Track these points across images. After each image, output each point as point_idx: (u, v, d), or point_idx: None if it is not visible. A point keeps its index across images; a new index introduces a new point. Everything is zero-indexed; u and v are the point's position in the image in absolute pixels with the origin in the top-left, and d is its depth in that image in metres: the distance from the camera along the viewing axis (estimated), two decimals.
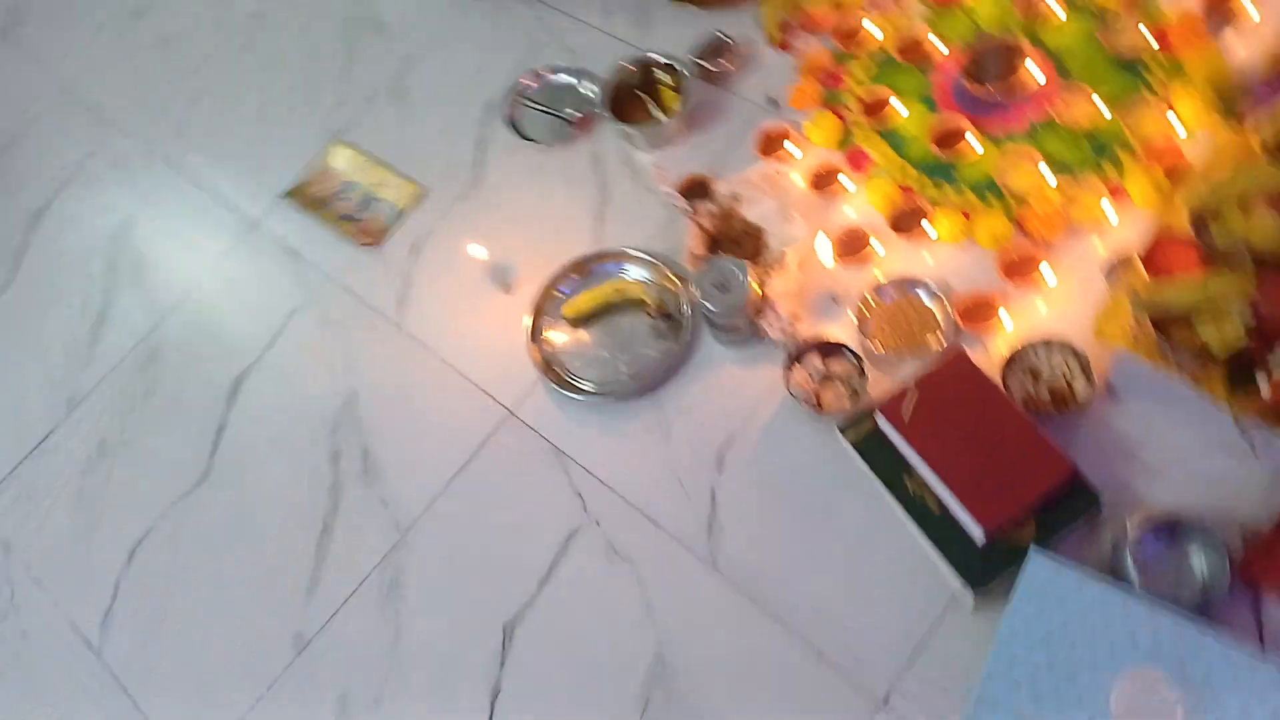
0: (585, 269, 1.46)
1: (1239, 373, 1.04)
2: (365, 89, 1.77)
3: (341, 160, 1.70)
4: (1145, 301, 1.08)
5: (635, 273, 1.44)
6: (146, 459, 1.51)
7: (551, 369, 1.40)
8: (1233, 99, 1.28)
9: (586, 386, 1.38)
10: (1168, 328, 1.08)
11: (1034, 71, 1.41)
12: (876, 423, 1.17)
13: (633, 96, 1.57)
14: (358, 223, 1.62)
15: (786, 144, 1.46)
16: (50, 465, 1.54)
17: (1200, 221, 1.14)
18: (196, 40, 1.96)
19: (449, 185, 1.62)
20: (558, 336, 1.43)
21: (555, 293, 1.45)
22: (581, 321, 1.44)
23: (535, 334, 1.43)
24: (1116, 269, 1.20)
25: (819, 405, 1.25)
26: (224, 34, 1.95)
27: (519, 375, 1.42)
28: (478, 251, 1.51)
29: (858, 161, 1.43)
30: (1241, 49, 1.36)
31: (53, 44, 2.06)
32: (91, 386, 1.59)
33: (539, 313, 1.44)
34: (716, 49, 1.56)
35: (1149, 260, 1.13)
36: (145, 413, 1.55)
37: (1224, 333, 1.04)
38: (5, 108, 1.98)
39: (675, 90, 1.55)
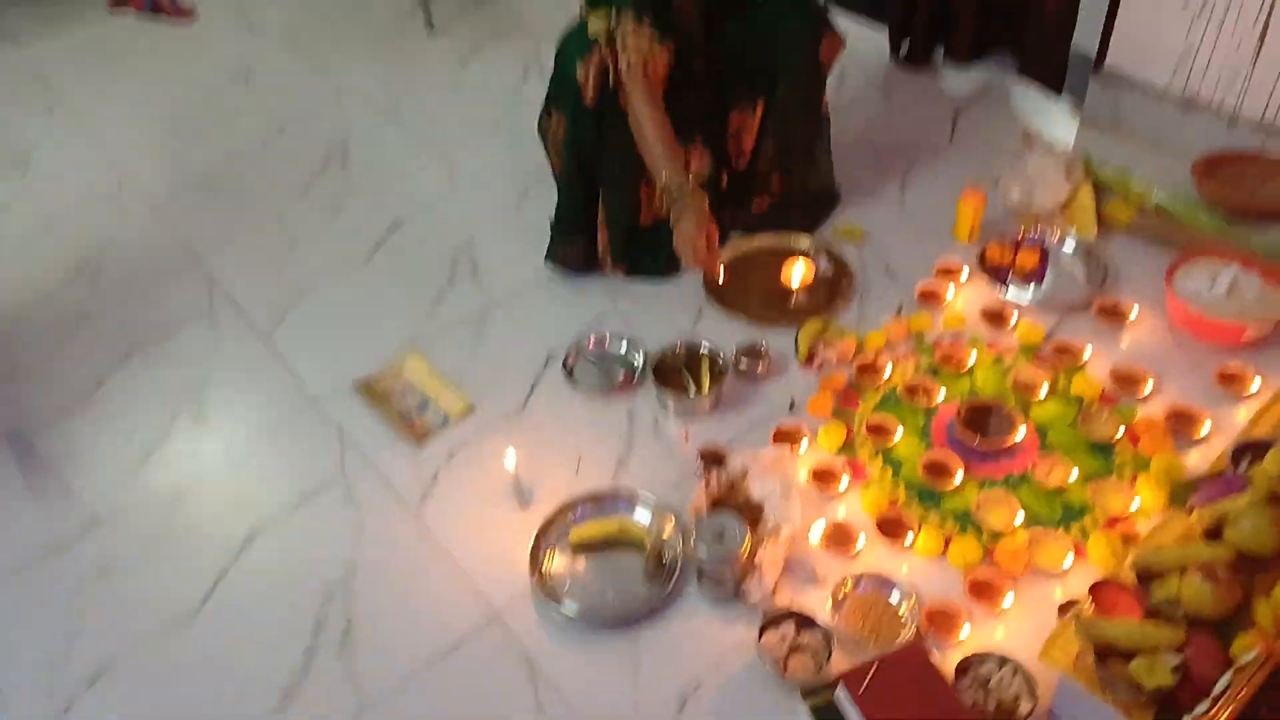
0: (598, 502, 1.61)
1: (1166, 713, 1.13)
2: (453, 315, 2.03)
3: (412, 366, 1.92)
4: (1090, 632, 1.20)
5: (642, 515, 1.58)
6: (143, 587, 1.57)
7: (545, 584, 1.50)
8: (1182, 492, 1.48)
9: (572, 609, 1.47)
10: (1107, 660, 1.19)
11: (1019, 435, 1.63)
12: (836, 694, 1.25)
13: (675, 372, 1.81)
14: (409, 421, 1.81)
15: (800, 442, 1.67)
16: (55, 568, 1.61)
17: (1144, 579, 1.29)
18: (322, 239, 2.27)
19: (498, 408, 1.82)
20: (558, 558, 1.55)
21: (567, 517, 1.59)
22: (584, 549, 1.56)
23: (538, 549, 1.55)
24: (1068, 606, 1.32)
25: (785, 669, 1.33)
26: (355, 240, 2.27)
27: (514, 583, 1.52)
28: (505, 466, 1.67)
29: (857, 470, 1.63)
30: (1194, 455, 1.58)
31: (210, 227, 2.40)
32: (111, 513, 1.70)
33: (546, 531, 1.57)
34: (755, 352, 1.82)
35: (1097, 599, 1.27)
36: (158, 544, 1.65)
37: (1156, 674, 1.15)
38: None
39: (712, 375, 1.79)
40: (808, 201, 2.13)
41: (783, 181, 2.07)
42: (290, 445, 1.80)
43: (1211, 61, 2.07)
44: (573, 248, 2.04)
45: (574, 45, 1.83)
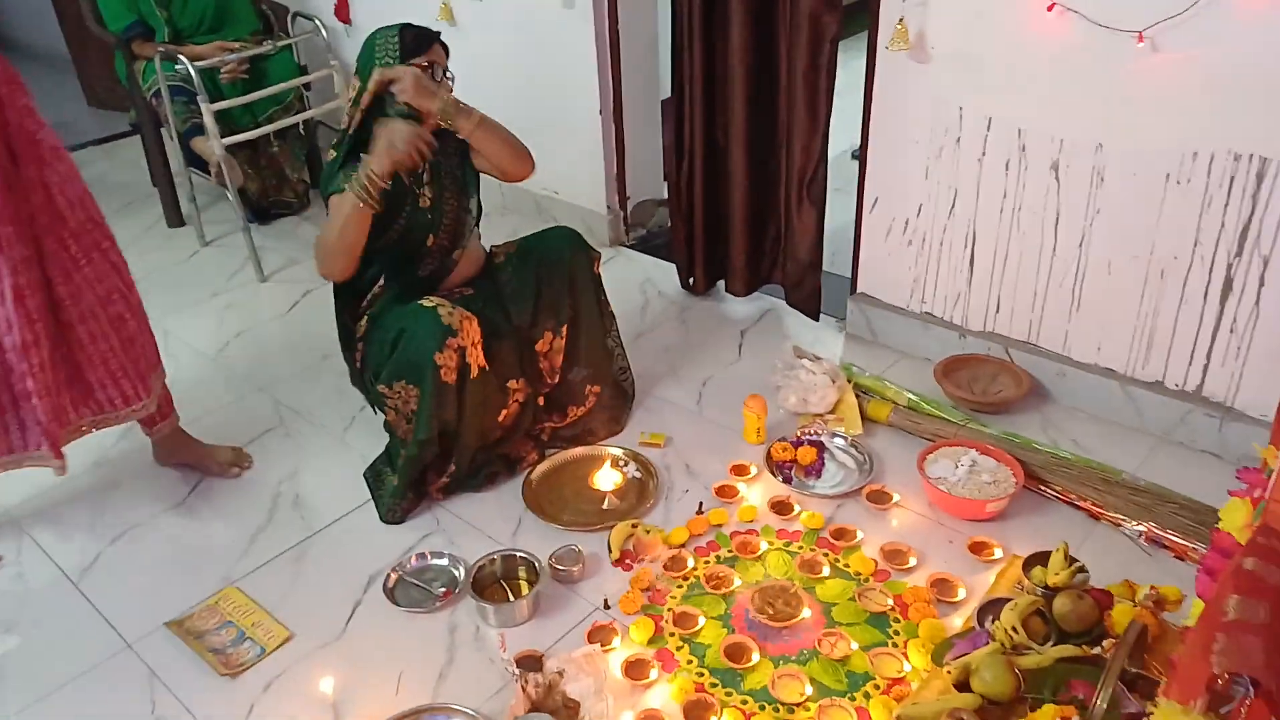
0: (416, 717, 1.64)
1: None
2: (273, 548, 2.06)
3: (228, 602, 1.93)
4: None
5: None
6: None
7: None
8: (942, 651, 1.67)
9: None
10: None
11: (805, 613, 1.81)
12: None
13: (493, 581, 1.91)
14: (224, 655, 1.81)
15: (613, 640, 1.77)
16: None
17: None
18: (141, 481, 2.28)
19: (317, 635, 1.84)
20: None
21: None
22: None
23: None
24: None
25: None
26: (174, 482, 2.29)
27: None
28: (322, 693, 1.69)
29: (666, 660, 1.74)
30: (955, 617, 1.80)
31: None
32: None
33: None
34: (570, 557, 1.95)
35: None
36: None
37: None
38: None
39: (530, 581, 1.90)
40: (615, 398, 2.36)
41: (592, 387, 2.29)
42: (101, 692, 1.75)
43: (938, 286, 2.50)
44: (410, 501, 2.13)
45: (424, 331, 1.94)
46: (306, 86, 3.52)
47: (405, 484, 2.10)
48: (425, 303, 1.99)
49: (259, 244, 3.25)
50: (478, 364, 2.01)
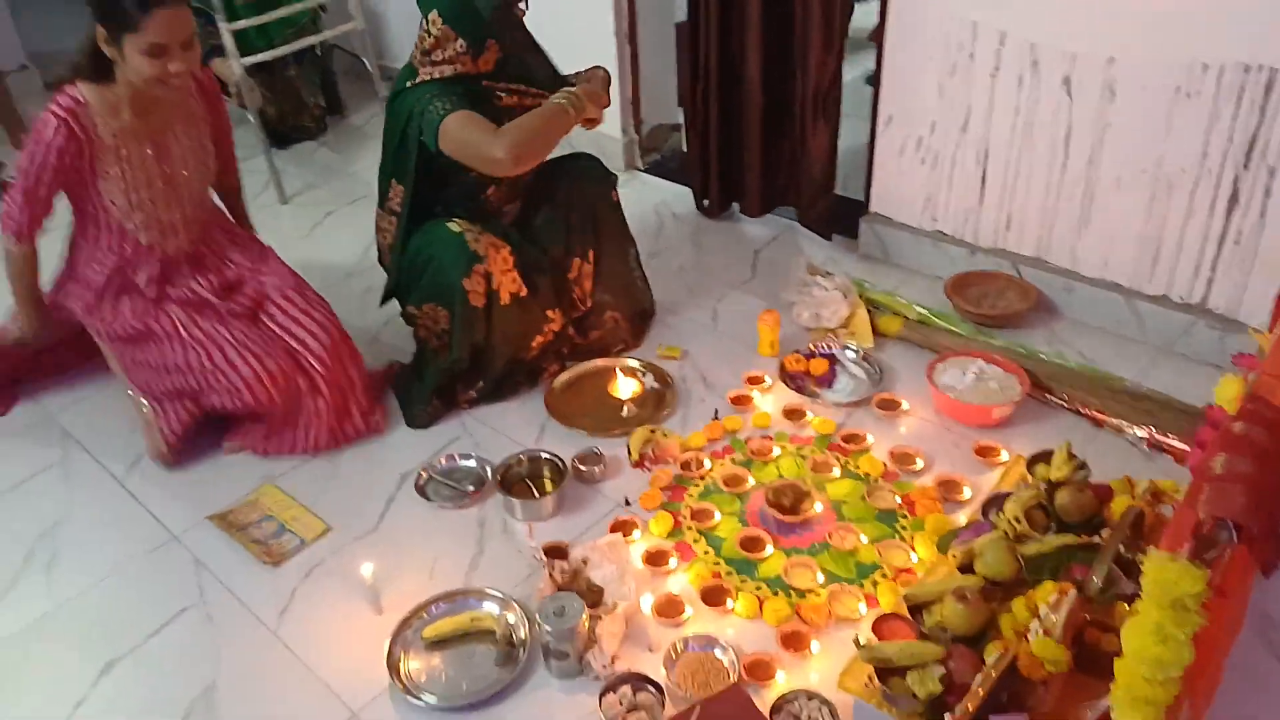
0: (449, 600, 1.74)
1: (936, 715, 1.35)
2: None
3: (268, 498, 2.03)
4: (870, 655, 1.43)
5: (490, 608, 1.73)
6: None
7: (400, 680, 1.61)
8: (947, 542, 1.76)
9: (429, 699, 1.59)
10: (888, 679, 1.41)
11: (817, 509, 1.90)
12: None
13: (520, 480, 2.00)
14: (266, 546, 1.91)
15: (633, 532, 1.87)
16: None
17: (915, 611, 1.54)
18: None
19: (353, 529, 1.94)
20: (415, 656, 1.67)
21: (420, 616, 1.72)
22: (438, 644, 1.68)
23: (394, 650, 1.66)
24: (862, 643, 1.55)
25: None
26: None
27: (373, 685, 1.62)
28: (360, 578, 1.79)
29: (685, 551, 1.84)
30: (960, 515, 1.88)
31: None
32: None
33: (401, 632, 1.69)
34: (592, 458, 2.04)
35: (879, 630, 1.50)
36: (13, 679, 1.66)
37: (926, 683, 1.38)
38: None
39: (554, 481, 1.99)
40: (635, 321, 2.44)
41: (613, 313, 2.36)
42: (148, 578, 1.86)
43: (950, 204, 2.54)
44: (435, 409, 2.21)
45: (451, 257, 2.02)
46: (322, 8, 3.53)
47: (431, 392, 2.19)
48: (453, 227, 2.06)
49: (278, 167, 3.30)
50: (509, 291, 2.08)
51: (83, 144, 1.91)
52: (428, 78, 2.02)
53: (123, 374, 2.14)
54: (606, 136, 3.27)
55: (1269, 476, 0.95)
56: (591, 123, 2.12)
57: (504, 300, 2.09)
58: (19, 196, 1.97)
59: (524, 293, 2.12)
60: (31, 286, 2.13)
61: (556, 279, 2.24)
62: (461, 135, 1.97)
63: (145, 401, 2.11)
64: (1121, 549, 1.56)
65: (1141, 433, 2.04)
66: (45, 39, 4.58)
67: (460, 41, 1.99)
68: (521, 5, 2.09)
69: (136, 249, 2.06)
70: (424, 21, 2.01)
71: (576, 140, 3.29)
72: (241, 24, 3.13)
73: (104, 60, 1.88)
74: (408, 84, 2.04)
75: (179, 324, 2.05)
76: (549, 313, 2.22)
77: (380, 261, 2.31)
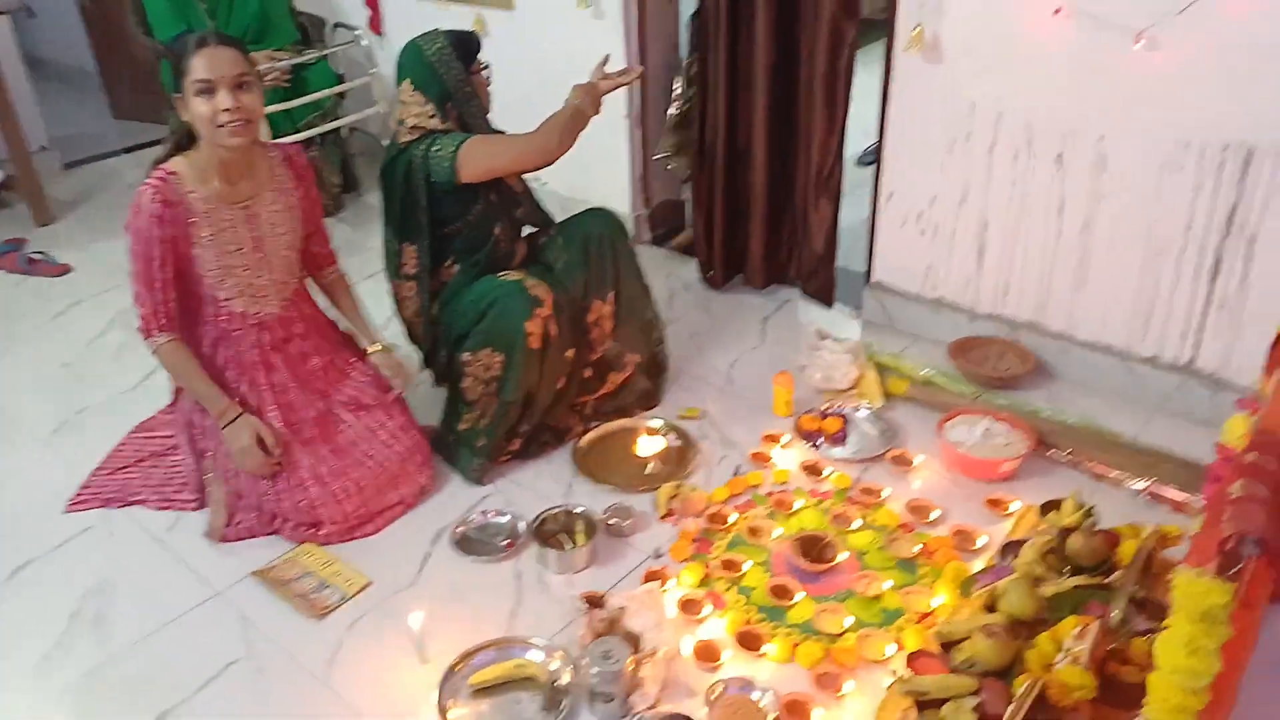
0: (496, 648, 1.80)
1: None
2: None
3: (307, 555, 2.09)
4: (908, 688, 1.50)
5: (535, 655, 1.79)
6: None
7: None
8: (968, 586, 1.85)
9: None
10: (924, 711, 1.49)
11: (841, 558, 1.98)
12: None
13: (553, 533, 2.08)
14: (309, 600, 1.96)
15: (667, 582, 1.94)
16: None
17: (946, 647, 1.62)
18: None
19: (392, 582, 2.01)
20: (462, 705, 1.72)
21: (466, 664, 1.77)
22: (484, 692, 1.74)
23: (442, 698, 1.71)
24: (893, 678, 1.63)
25: None
26: None
27: None
28: (404, 629, 1.84)
29: (716, 600, 1.91)
30: (976, 561, 1.97)
31: None
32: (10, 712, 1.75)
33: (448, 680, 1.74)
34: (621, 512, 2.12)
35: (913, 665, 1.58)
36: None
37: (961, 715, 1.45)
38: None
39: (586, 534, 2.07)
40: (652, 367, 2.55)
41: (631, 355, 2.46)
42: (194, 632, 1.91)
43: (950, 273, 2.70)
44: (488, 466, 2.29)
45: (515, 302, 2.14)
46: (343, 94, 3.71)
47: (493, 446, 2.27)
48: (509, 277, 2.20)
49: None
50: (554, 333, 2.21)
51: (178, 210, 1.98)
52: (412, 137, 2.21)
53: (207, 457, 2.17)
54: (617, 213, 3.42)
55: None
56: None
57: (553, 341, 2.21)
58: (140, 289, 2.01)
59: (555, 334, 2.23)
60: (204, 380, 2.08)
61: (576, 320, 2.33)
62: (488, 149, 2.19)
63: (221, 491, 2.15)
64: (1134, 589, 1.66)
65: (1141, 484, 2.15)
66: (64, 123, 4.77)
67: (429, 105, 2.21)
68: (484, 74, 2.29)
69: (231, 318, 2.12)
70: (398, 93, 2.23)
71: (589, 197, 3.46)
72: (269, 109, 3.29)
73: (188, 134, 2.00)
74: (397, 151, 2.23)
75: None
76: (567, 354, 2.31)
77: (410, 337, 2.42)
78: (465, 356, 2.22)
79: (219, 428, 2.09)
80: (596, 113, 2.29)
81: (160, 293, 2.02)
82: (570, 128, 2.24)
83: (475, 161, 2.17)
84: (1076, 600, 1.68)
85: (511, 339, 2.15)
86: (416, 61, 2.21)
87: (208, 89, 1.93)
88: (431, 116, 2.21)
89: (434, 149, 2.17)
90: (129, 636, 1.90)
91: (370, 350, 2.30)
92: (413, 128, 2.21)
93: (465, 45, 2.24)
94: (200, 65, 1.92)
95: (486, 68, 2.29)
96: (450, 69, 2.21)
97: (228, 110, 1.93)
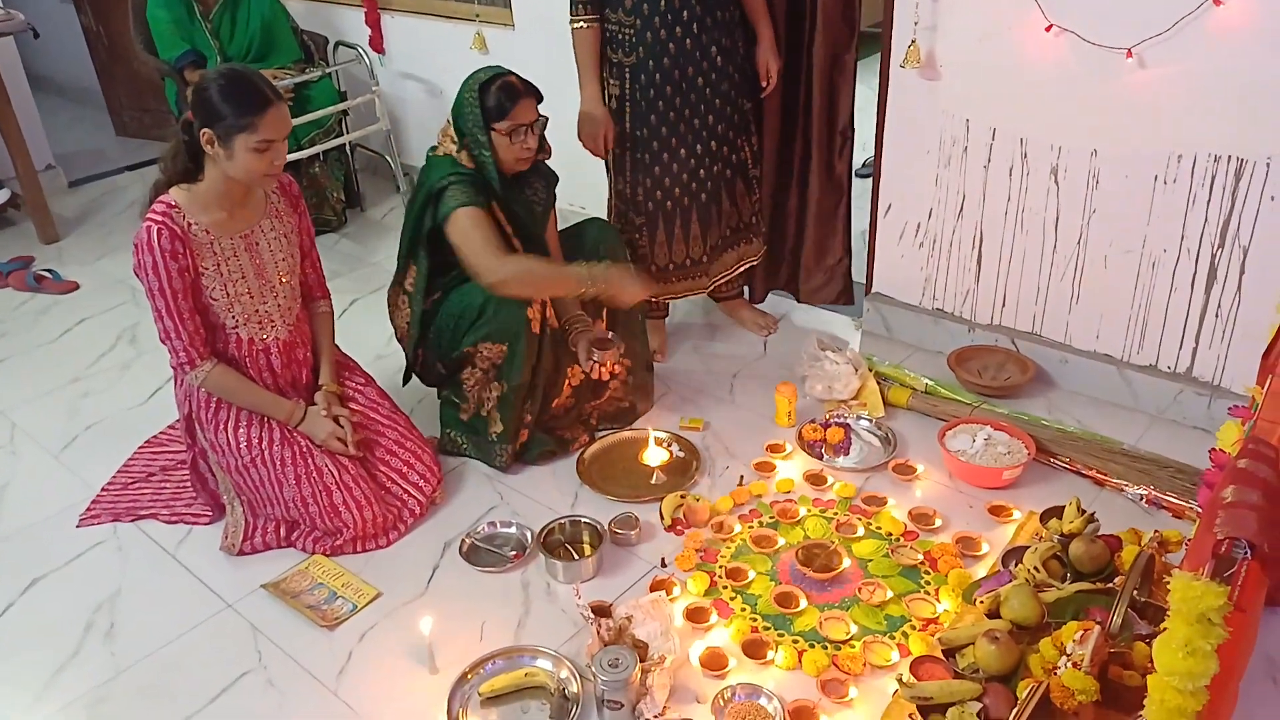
0: (505, 657, 1.82)
1: None
2: None
3: (317, 567, 2.11)
4: (912, 693, 1.53)
5: (544, 664, 1.81)
6: None
7: None
8: (970, 592, 1.88)
9: None
10: (928, 715, 1.51)
11: (845, 565, 2.01)
12: None
13: (560, 544, 2.10)
14: (319, 611, 1.99)
15: (673, 591, 1.97)
16: None
17: (949, 653, 1.64)
18: None
19: (401, 593, 2.03)
20: (471, 712, 1.74)
21: (476, 673, 1.79)
22: (493, 700, 1.76)
23: (452, 706, 1.73)
24: (898, 684, 1.65)
25: None
26: None
27: None
28: (415, 637, 1.87)
29: (722, 609, 1.93)
30: (979, 568, 2.00)
31: None
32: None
33: (459, 689, 1.76)
34: (627, 522, 2.14)
35: (917, 671, 1.60)
36: None
37: (965, 719, 1.48)
38: None
39: (593, 544, 2.09)
40: (642, 373, 2.59)
41: (624, 360, 2.47)
42: (206, 644, 1.93)
43: (948, 284, 2.73)
44: (512, 450, 2.35)
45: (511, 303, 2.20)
46: (345, 111, 3.75)
47: (511, 430, 2.32)
48: None
49: None
50: (550, 323, 2.28)
51: (183, 240, 1.99)
52: (443, 153, 2.26)
53: (224, 476, 2.18)
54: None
55: (1274, 506, 1.08)
56: (605, 368, 2.32)
57: (550, 329, 2.28)
58: (169, 325, 2.01)
59: (555, 324, 2.31)
60: (260, 391, 2.15)
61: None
62: (469, 233, 2.17)
63: (240, 507, 2.18)
64: (1135, 594, 1.68)
65: (1140, 491, 2.18)
66: (68, 141, 4.82)
67: (452, 131, 2.25)
68: (513, 139, 2.20)
69: (239, 344, 2.13)
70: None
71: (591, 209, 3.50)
72: None
73: (190, 163, 2.01)
74: (434, 161, 2.27)
75: (299, 453, 2.12)
76: (570, 369, 2.36)
77: (399, 339, 2.46)
78: (468, 349, 2.27)
79: (290, 428, 2.15)
80: (583, 292, 2.23)
81: (189, 324, 2.03)
82: (547, 286, 2.24)
83: (453, 230, 2.19)
84: (1078, 605, 1.70)
85: (515, 329, 2.22)
86: (460, 88, 2.25)
87: (268, 147, 1.95)
88: (454, 143, 2.25)
89: (446, 192, 2.19)
90: (141, 649, 1.92)
91: (322, 386, 2.27)
92: (443, 143, 2.27)
93: (497, 98, 2.18)
94: (268, 126, 1.92)
95: (522, 133, 2.20)
96: (468, 115, 2.21)
97: (280, 166, 1.99)
